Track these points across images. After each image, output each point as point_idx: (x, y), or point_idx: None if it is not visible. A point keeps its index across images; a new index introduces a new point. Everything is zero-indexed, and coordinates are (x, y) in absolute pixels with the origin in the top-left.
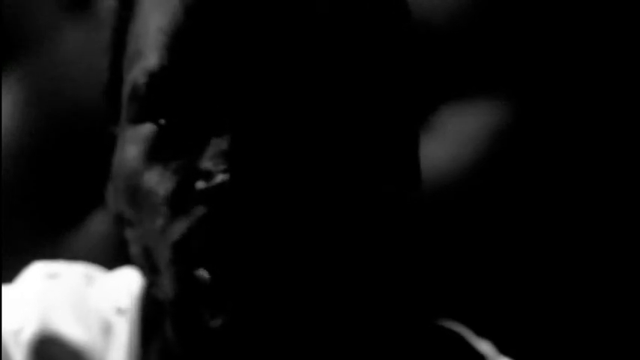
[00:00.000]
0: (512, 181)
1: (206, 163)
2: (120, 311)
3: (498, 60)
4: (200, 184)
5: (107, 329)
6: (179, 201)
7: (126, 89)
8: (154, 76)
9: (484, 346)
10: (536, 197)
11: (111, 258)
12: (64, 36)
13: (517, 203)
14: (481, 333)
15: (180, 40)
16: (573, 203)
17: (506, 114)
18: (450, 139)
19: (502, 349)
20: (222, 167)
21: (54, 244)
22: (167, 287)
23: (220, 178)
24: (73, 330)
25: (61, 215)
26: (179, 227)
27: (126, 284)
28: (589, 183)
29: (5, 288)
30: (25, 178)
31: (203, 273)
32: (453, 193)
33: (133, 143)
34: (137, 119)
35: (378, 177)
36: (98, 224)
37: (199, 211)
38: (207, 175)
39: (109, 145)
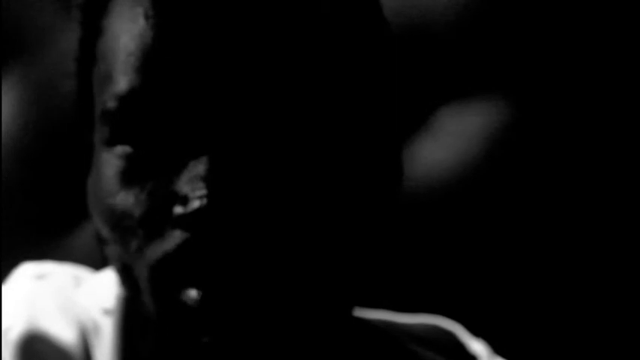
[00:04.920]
0: (512, 180)
1: (183, 187)
2: (106, 311)
3: (498, 60)
4: (177, 209)
5: (94, 329)
6: (154, 223)
7: (97, 112)
8: (123, 100)
9: (477, 346)
10: (535, 197)
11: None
12: (64, 36)
13: (517, 203)
14: (477, 332)
15: (149, 63)
16: (573, 203)
17: (506, 114)
18: (450, 139)
19: (497, 349)
20: (199, 193)
21: (52, 245)
22: (149, 305)
23: (197, 203)
24: (60, 330)
25: (60, 216)
26: (157, 250)
27: (113, 284)
28: (588, 182)
29: None
30: (24, 178)
31: (185, 295)
32: (452, 193)
33: (107, 165)
34: (110, 141)
35: (363, 183)
36: None
37: (177, 235)
38: (184, 200)
39: (82, 156)
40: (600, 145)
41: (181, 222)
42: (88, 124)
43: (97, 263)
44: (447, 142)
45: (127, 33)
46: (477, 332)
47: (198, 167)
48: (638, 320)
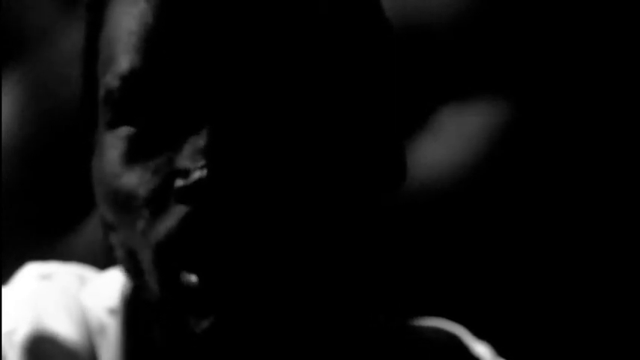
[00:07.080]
0: (512, 181)
1: (184, 161)
2: (112, 311)
3: (498, 60)
4: (178, 182)
5: (100, 329)
6: (159, 201)
7: (100, 94)
8: (126, 80)
9: (481, 349)
10: (535, 197)
11: (109, 259)
12: (64, 36)
13: (516, 203)
14: (480, 334)
15: (150, 42)
16: (573, 203)
17: (506, 114)
18: (450, 139)
19: (501, 352)
20: (199, 164)
21: (53, 245)
22: (153, 289)
23: (198, 174)
24: (66, 330)
25: (60, 216)
26: (160, 228)
27: (118, 284)
28: (588, 183)
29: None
30: (24, 178)
31: (187, 277)
32: (453, 193)
33: (111, 147)
34: (113, 123)
35: (362, 170)
36: (97, 225)
37: (179, 210)
38: (186, 173)
39: (88, 150)
40: (601, 145)
41: (182, 194)
42: (92, 118)
43: (98, 262)
44: (447, 142)
45: (127, 15)
46: (480, 335)
47: (198, 141)
48: (638, 321)
